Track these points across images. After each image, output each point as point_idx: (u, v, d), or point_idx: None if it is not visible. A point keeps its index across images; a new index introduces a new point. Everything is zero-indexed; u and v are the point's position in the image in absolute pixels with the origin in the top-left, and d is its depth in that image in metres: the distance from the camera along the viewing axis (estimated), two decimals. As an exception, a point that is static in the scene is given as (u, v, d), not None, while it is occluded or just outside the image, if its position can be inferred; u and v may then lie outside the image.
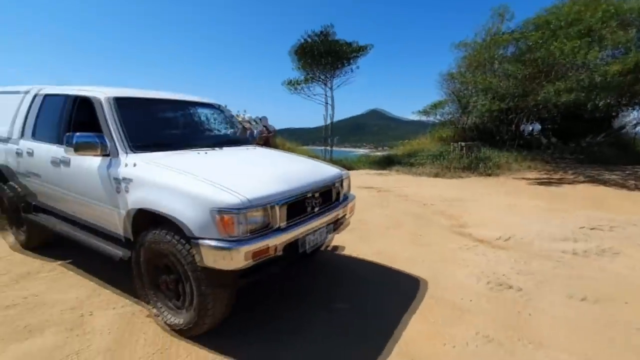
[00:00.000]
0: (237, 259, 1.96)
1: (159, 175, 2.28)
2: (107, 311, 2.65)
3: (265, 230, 2.15)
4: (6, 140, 3.59)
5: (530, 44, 11.02)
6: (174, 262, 2.23)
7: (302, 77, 15.27)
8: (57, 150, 2.97)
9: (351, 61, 14.33)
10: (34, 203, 3.54)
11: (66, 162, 2.88)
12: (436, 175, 10.73)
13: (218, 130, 3.82)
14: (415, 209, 6.18)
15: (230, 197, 2.00)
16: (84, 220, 2.95)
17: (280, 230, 2.22)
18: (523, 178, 9.85)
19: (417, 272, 3.43)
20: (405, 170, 12.17)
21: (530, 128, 15.14)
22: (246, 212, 2.01)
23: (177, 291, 2.32)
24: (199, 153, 2.82)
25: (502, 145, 13.19)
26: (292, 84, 15.42)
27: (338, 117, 16.31)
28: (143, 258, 2.40)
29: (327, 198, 2.80)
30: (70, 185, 2.91)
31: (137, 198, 2.33)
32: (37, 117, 3.39)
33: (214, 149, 3.01)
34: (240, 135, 3.89)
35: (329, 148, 15.93)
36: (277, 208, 2.19)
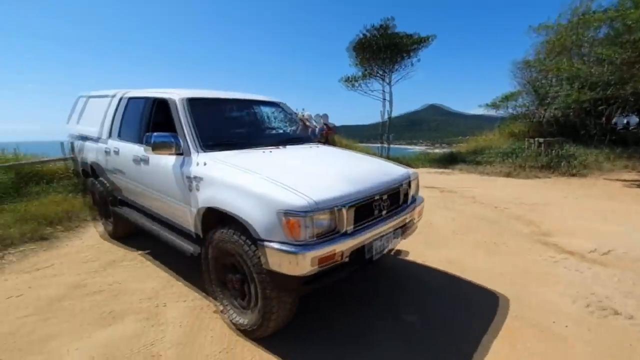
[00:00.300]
0: (303, 265, 1.87)
1: (227, 175, 2.29)
2: (179, 303, 2.78)
3: (332, 234, 2.03)
4: (97, 140, 4.00)
5: (630, 23, 9.36)
6: (240, 262, 2.23)
7: (360, 74, 15.01)
8: (138, 149, 3.19)
9: (411, 54, 13.65)
10: (119, 197, 3.89)
11: (145, 161, 3.08)
12: (508, 175, 9.74)
13: (281, 129, 3.82)
14: (485, 212, 5.62)
15: (297, 199, 1.92)
16: (160, 215, 3.13)
17: (347, 235, 2.09)
18: (618, 179, 8.45)
19: (495, 286, 3.05)
20: (471, 169, 11.27)
21: (625, 121, 12.97)
22: (313, 214, 1.90)
23: (243, 291, 2.32)
24: (264, 152, 2.81)
25: (589, 141, 11.51)
26: (349, 80, 15.23)
27: (393, 113, 15.72)
28: (211, 255, 2.45)
29: (394, 200, 2.60)
30: (149, 182, 3.11)
31: (207, 196, 2.38)
32: (122, 118, 3.70)
33: (277, 148, 2.98)
34: (302, 133, 3.84)
35: (385, 145, 15.44)
36: (344, 211, 2.06)
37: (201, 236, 2.55)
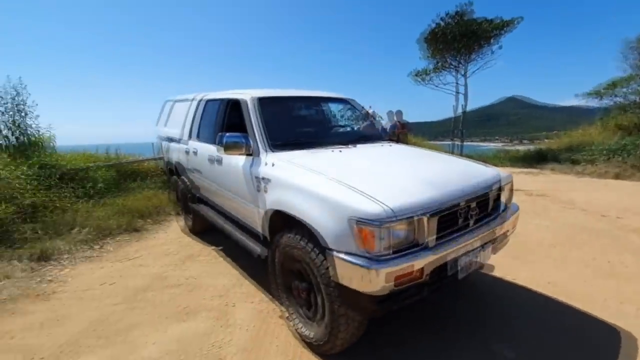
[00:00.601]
0: (376, 282, 1.65)
1: (294, 176, 2.19)
2: (247, 304, 2.78)
3: (411, 247, 1.77)
4: (179, 141, 4.29)
5: None
6: (306, 269, 2.10)
7: (432, 67, 14.07)
8: (212, 150, 3.30)
9: (492, 40, 12.30)
10: (197, 195, 4.13)
11: (219, 161, 3.16)
12: (616, 177, 8.17)
13: (350, 127, 3.64)
14: (590, 222, 4.70)
15: (371, 206, 1.70)
16: (231, 214, 3.20)
17: (428, 248, 1.81)
18: None
19: (615, 319, 2.44)
20: (565, 168, 9.76)
21: None
22: (389, 224, 1.67)
23: (309, 301, 2.19)
24: (333, 151, 2.65)
25: None
26: (419, 74, 14.40)
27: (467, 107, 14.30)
28: (277, 260, 2.37)
29: (483, 208, 2.22)
30: (221, 181, 3.19)
31: (274, 198, 2.31)
32: (200, 120, 3.90)
33: (347, 147, 2.80)
34: (372, 130, 3.61)
35: (457, 142, 14.23)
36: (425, 220, 1.78)
37: (268, 239, 2.50)
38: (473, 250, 2.08)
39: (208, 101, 3.88)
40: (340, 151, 2.66)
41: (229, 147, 2.59)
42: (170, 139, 4.74)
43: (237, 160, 2.80)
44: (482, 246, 2.16)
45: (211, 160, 3.35)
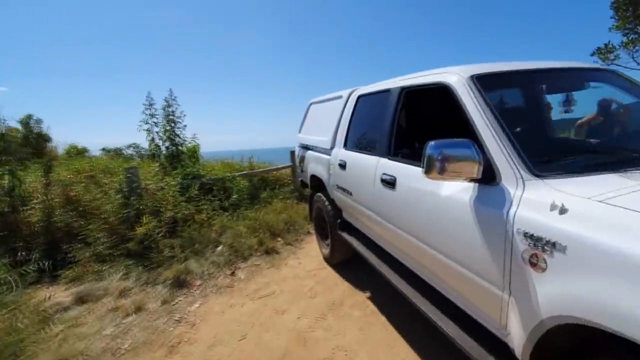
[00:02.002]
0: None
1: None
2: None
3: None
4: (324, 150, 3.37)
5: None
6: None
7: (625, 39, 10.18)
8: (380, 165, 2.19)
9: None
10: (346, 220, 3.14)
11: (390, 183, 2.01)
12: None
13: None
14: None
15: None
16: (429, 278, 1.90)
17: None
18: None
19: None
20: None
21: None
22: None
23: None
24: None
25: None
26: (603, 52, 10.64)
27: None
28: None
29: None
30: (402, 218, 1.97)
31: (568, 295, 0.97)
32: (356, 122, 2.88)
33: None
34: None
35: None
36: None
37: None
38: None
39: (365, 96, 2.82)
40: None
41: (436, 166, 1.36)
42: (312, 147, 3.92)
43: (442, 189, 1.56)
44: None
45: (372, 179, 2.25)
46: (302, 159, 4.19)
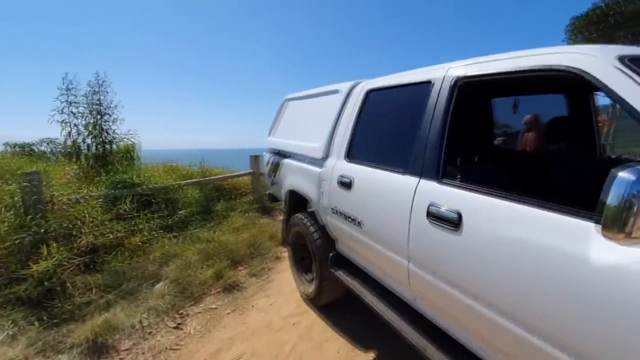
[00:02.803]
0: None
1: None
2: None
3: None
4: (314, 160, 2.55)
5: None
6: None
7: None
8: (428, 191, 1.46)
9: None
10: (342, 252, 2.37)
11: (454, 224, 1.29)
12: None
13: None
14: None
15: None
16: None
17: None
18: None
19: None
20: None
21: None
22: None
23: None
24: None
25: None
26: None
27: None
28: None
29: None
30: (469, 272, 1.26)
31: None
32: (368, 126, 2.12)
33: None
34: None
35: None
36: None
37: None
38: None
39: (376, 91, 2.10)
40: None
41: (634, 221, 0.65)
42: (286, 154, 3.11)
43: (615, 256, 0.85)
44: None
45: (406, 209, 1.52)
46: (276, 167, 3.33)
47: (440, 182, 1.43)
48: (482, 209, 1.23)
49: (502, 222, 1.15)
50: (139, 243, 3.48)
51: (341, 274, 2.29)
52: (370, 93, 2.14)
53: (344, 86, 2.43)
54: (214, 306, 2.87)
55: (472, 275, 1.23)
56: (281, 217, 5.37)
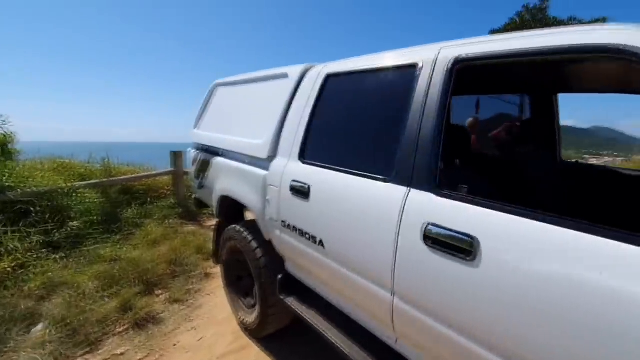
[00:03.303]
0: None
1: None
2: None
3: None
4: (262, 162, 2.02)
5: None
6: None
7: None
8: (423, 207, 1.11)
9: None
10: (295, 276, 1.92)
11: (458, 249, 0.96)
12: None
13: None
14: None
15: None
16: None
17: None
18: None
19: None
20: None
21: None
22: None
23: None
24: None
25: None
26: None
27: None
28: None
29: None
30: (485, 315, 0.94)
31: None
32: (329, 120, 1.70)
33: None
34: None
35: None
36: None
37: None
38: None
39: (338, 76, 1.72)
40: None
41: None
42: (217, 151, 2.53)
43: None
44: None
45: (392, 230, 1.17)
46: (204, 166, 2.72)
47: (439, 194, 1.10)
48: (505, 232, 0.92)
49: (536, 250, 0.85)
50: (9, 269, 2.55)
51: (293, 302, 1.85)
52: (330, 78, 1.72)
53: (295, 70, 1.98)
54: (118, 352, 2.16)
55: (491, 320, 0.91)
56: (210, 223, 4.72)
